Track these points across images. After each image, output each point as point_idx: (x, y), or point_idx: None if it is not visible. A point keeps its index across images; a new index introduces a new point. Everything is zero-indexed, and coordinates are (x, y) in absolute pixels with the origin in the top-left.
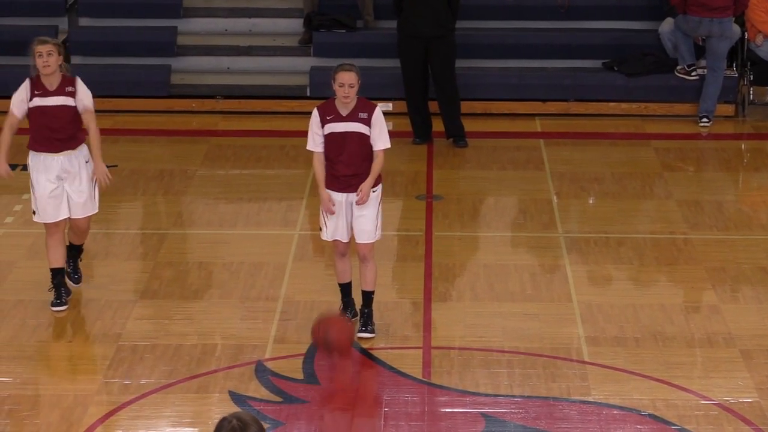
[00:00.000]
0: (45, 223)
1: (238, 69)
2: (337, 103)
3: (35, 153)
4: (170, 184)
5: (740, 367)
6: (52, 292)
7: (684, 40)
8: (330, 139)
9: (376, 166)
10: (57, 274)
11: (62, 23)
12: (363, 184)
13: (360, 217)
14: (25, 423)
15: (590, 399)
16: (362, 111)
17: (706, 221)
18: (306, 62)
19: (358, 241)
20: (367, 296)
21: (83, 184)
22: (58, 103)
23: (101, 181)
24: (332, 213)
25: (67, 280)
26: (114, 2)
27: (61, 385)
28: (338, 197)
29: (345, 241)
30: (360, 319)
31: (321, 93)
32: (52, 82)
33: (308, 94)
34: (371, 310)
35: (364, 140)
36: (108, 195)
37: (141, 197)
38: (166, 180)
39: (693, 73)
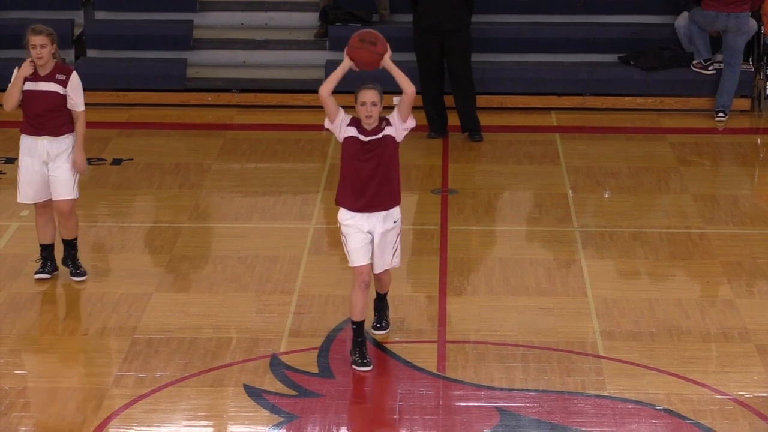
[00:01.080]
0: (34, 204)
1: (254, 63)
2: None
3: (24, 136)
4: (186, 177)
5: (755, 362)
6: (38, 263)
7: (699, 34)
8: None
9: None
10: (46, 248)
11: (78, 17)
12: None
13: (379, 249)
14: (40, 416)
15: (605, 393)
16: (387, 125)
17: (722, 216)
18: (322, 56)
19: (375, 271)
20: (382, 295)
21: (63, 168)
22: (47, 89)
23: (79, 170)
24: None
25: (72, 278)
26: None
27: (76, 378)
28: (360, 220)
29: (367, 263)
30: (375, 315)
31: (336, 87)
32: (44, 68)
33: None
34: (386, 305)
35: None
36: (124, 188)
37: (157, 190)
38: (182, 173)
39: (710, 68)
